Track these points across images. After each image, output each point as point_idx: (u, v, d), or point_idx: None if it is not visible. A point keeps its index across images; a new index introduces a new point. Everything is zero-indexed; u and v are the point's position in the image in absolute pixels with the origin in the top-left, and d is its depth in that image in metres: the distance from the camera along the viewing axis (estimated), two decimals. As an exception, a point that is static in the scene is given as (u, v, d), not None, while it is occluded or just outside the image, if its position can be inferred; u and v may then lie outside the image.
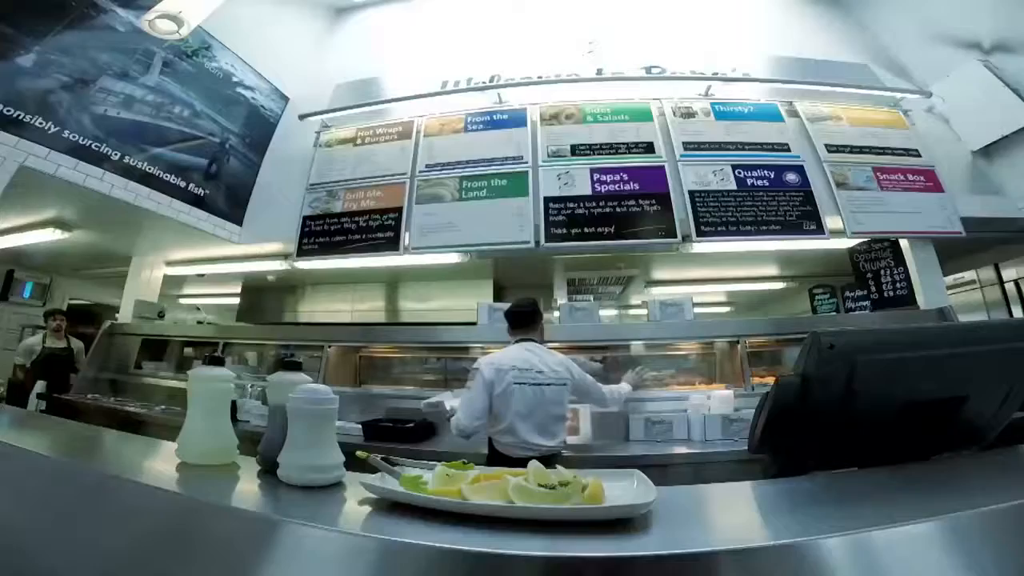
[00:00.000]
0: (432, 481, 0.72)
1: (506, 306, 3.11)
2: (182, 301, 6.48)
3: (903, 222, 3.41)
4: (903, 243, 3.45)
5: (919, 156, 3.68)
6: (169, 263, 4.76)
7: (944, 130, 3.90)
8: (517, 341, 2.11)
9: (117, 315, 4.50)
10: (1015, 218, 3.61)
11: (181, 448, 0.91)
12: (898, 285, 3.41)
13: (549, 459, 1.42)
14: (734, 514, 0.72)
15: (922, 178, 3.58)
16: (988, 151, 3.73)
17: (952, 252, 3.78)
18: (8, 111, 2.74)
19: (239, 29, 4.04)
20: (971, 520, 0.56)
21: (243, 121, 4.12)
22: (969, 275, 4.00)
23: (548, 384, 1.95)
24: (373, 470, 0.78)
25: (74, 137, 3.02)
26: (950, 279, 3.85)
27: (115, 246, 4.47)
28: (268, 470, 0.83)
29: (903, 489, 0.74)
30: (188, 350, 3.98)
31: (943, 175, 3.60)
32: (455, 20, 4.70)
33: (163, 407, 3.22)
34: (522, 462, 0.77)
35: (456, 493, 0.66)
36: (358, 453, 0.82)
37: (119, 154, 3.25)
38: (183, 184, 3.66)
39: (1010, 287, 3.73)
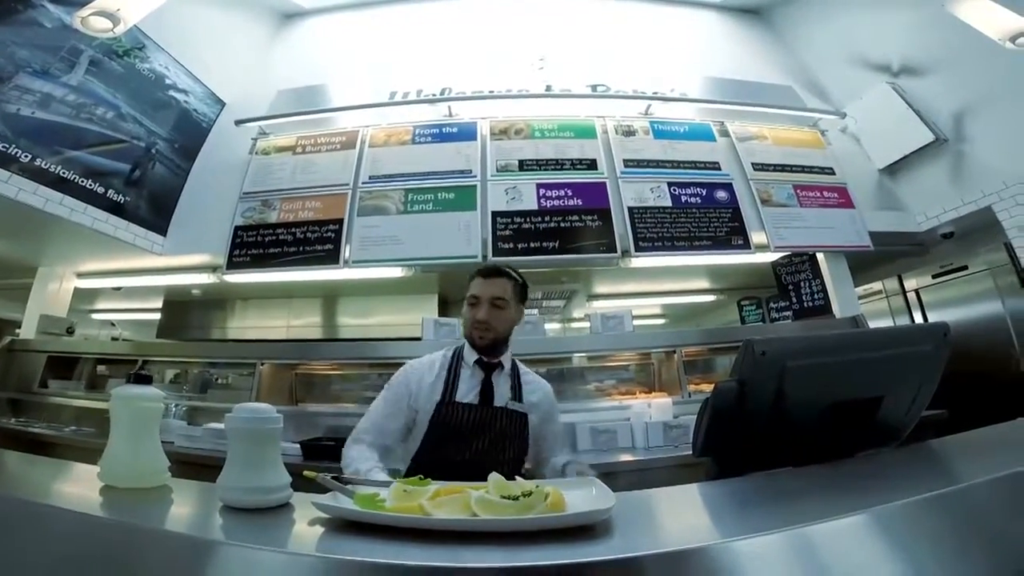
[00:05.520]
0: (390, 498, 0.70)
1: (453, 321, 3.10)
2: (95, 316, 5.95)
3: (819, 237, 3.70)
4: (820, 256, 3.74)
5: (834, 174, 4.01)
6: (81, 275, 4.36)
7: (855, 149, 4.28)
8: None
9: (18, 331, 4.07)
10: (914, 232, 4.01)
11: (104, 471, 0.84)
12: (816, 296, 3.69)
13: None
14: (687, 515, 0.75)
15: (836, 195, 3.90)
16: (892, 169, 4.12)
17: (862, 264, 4.14)
18: None
19: (178, 30, 3.82)
20: (898, 511, 0.62)
21: (173, 125, 3.86)
22: (876, 286, 4.39)
23: None
24: (320, 490, 0.75)
25: (-24, 137, 2.73)
26: (860, 289, 4.21)
27: (19, 255, 4.04)
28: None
29: (836, 485, 0.81)
30: (102, 368, 3.67)
31: (854, 192, 3.94)
32: (406, 32, 4.68)
33: (73, 428, 2.98)
34: None
35: (417, 509, 0.65)
36: (305, 473, 0.79)
37: (30, 156, 2.96)
38: (102, 190, 3.37)
39: (911, 296, 4.12)
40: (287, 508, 0.74)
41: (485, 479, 0.74)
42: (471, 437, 1.40)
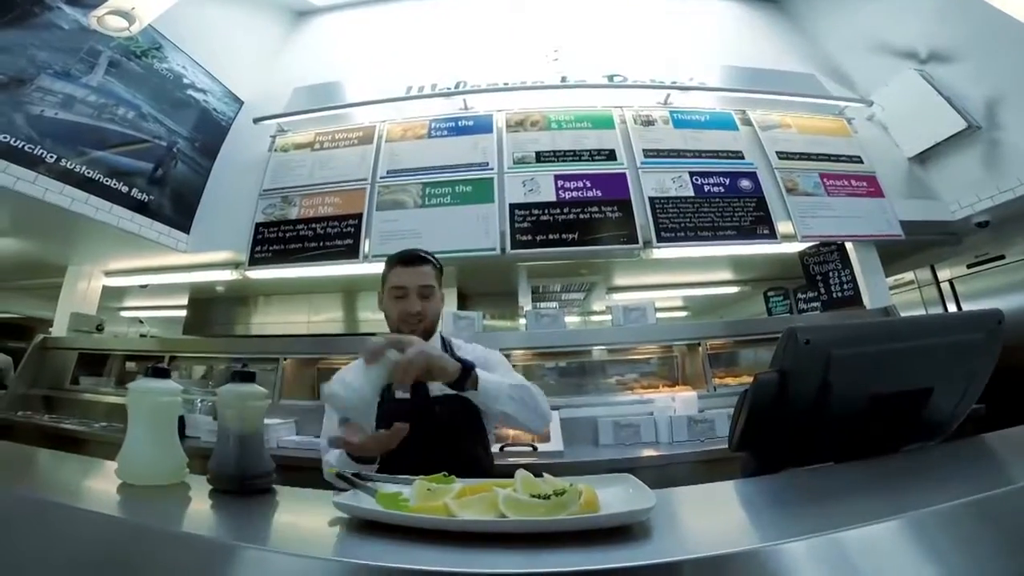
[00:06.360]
0: (413, 497, 0.67)
1: (473, 315, 3.08)
2: (123, 314, 6.10)
3: (848, 226, 3.58)
4: (848, 246, 3.63)
5: (861, 163, 3.89)
6: (109, 273, 4.46)
7: (883, 137, 4.13)
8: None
9: (51, 329, 4.18)
10: (947, 221, 3.86)
11: (122, 468, 0.82)
12: (845, 286, 3.58)
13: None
14: (726, 515, 0.70)
15: (864, 184, 3.78)
16: (923, 157, 3.96)
17: (893, 254, 4.00)
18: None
19: (193, 30, 3.87)
20: (959, 509, 0.58)
21: (193, 124, 3.93)
22: (908, 276, 4.24)
23: None
24: (343, 488, 0.73)
25: (4, 138, 2.78)
26: (891, 280, 4.07)
27: (48, 255, 4.15)
28: (220, 489, 0.78)
29: (885, 483, 0.76)
30: (131, 364, 3.74)
31: (883, 180, 3.81)
32: (419, 26, 4.67)
33: (104, 424, 3.02)
34: None
35: (441, 509, 0.61)
36: (328, 470, 0.78)
37: (55, 156, 3.02)
38: (126, 189, 3.44)
39: (945, 287, 3.97)
40: (305, 507, 0.72)
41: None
42: (413, 433, 1.27)
